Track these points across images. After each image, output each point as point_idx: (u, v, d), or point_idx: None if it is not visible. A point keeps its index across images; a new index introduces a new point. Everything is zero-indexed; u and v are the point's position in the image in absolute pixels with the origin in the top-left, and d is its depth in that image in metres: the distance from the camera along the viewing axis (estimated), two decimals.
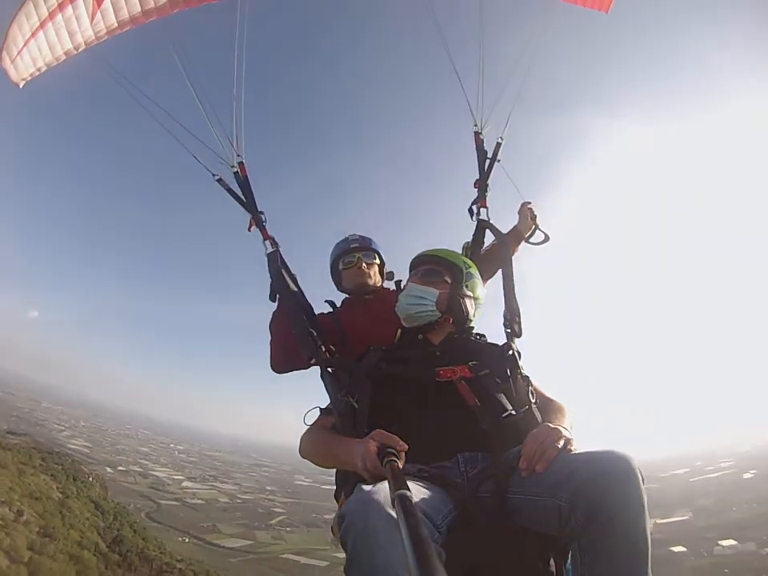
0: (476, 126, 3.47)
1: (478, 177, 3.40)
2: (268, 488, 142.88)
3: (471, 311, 2.57)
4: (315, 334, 2.69)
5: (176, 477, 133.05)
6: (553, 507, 1.65)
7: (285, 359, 3.03)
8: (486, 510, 1.81)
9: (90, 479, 76.89)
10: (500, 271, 2.94)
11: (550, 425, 1.93)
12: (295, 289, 3.02)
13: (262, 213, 3.10)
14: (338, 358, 2.69)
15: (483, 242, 3.23)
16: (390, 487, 1.29)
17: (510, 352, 2.44)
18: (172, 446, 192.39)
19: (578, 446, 1.82)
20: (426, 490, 1.71)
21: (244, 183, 3.12)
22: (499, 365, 2.34)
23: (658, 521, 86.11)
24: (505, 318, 2.70)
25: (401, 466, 1.60)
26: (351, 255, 3.30)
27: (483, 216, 3.25)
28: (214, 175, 3.11)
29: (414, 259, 2.74)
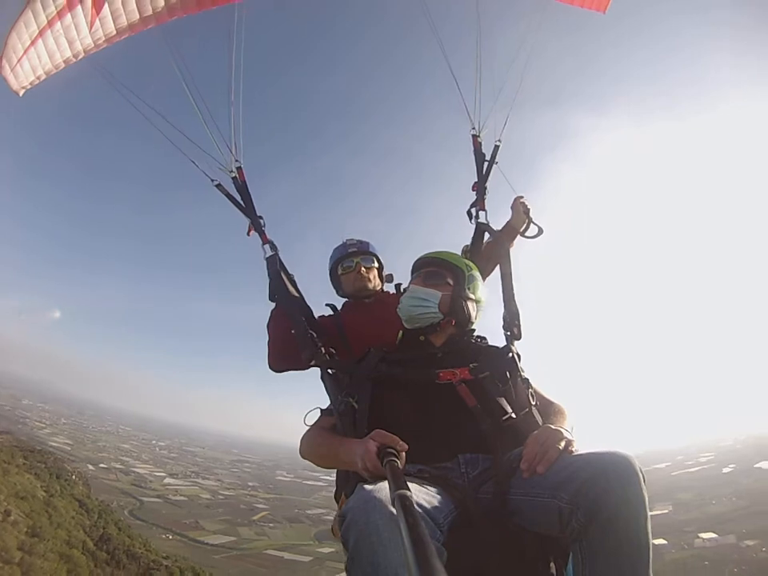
0: (473, 128, 3.47)
1: (476, 179, 3.41)
2: (250, 484, 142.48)
3: (473, 313, 2.59)
4: (315, 335, 2.72)
5: (158, 473, 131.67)
6: (554, 508, 1.67)
7: (282, 359, 3.08)
8: (486, 511, 1.84)
9: (73, 477, 75.87)
10: (498, 272, 2.95)
11: (551, 426, 1.94)
12: (294, 292, 3.06)
13: (260, 217, 3.12)
14: (338, 359, 2.70)
15: (482, 245, 3.26)
16: (389, 487, 1.30)
17: (510, 354, 2.47)
18: (153, 442, 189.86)
19: (579, 448, 1.83)
20: (427, 491, 1.74)
21: (242, 188, 3.14)
22: (499, 367, 2.36)
23: None
24: (504, 320, 2.71)
25: (401, 466, 1.61)
26: (349, 260, 3.33)
27: (482, 219, 3.27)
28: (212, 180, 3.13)
29: (416, 261, 2.75)
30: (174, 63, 3.24)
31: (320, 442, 2.32)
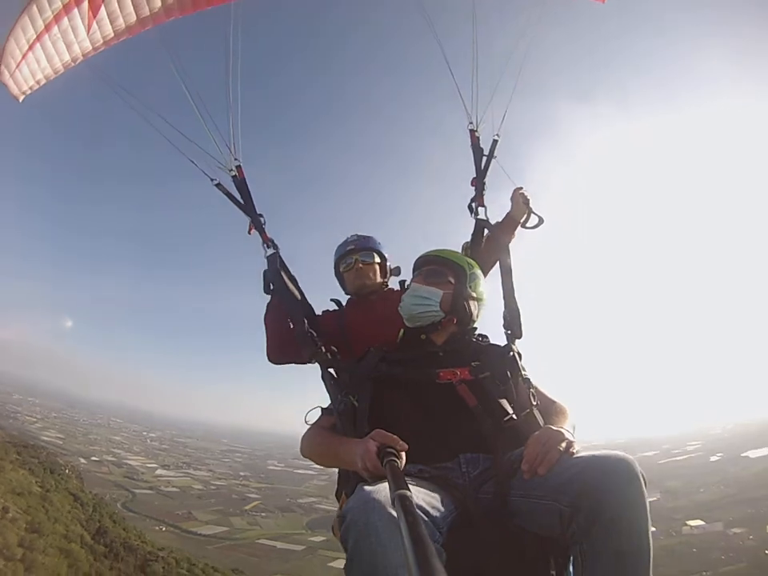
0: (471, 123, 3.42)
1: (474, 174, 3.38)
2: (241, 473, 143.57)
3: (475, 312, 2.57)
4: (315, 335, 2.70)
5: (149, 465, 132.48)
6: (554, 510, 1.66)
7: (281, 352, 3.09)
8: (487, 511, 1.83)
9: (67, 471, 76.40)
10: (497, 268, 2.93)
11: (552, 427, 1.91)
12: (295, 290, 3.03)
13: (261, 215, 3.10)
14: (339, 359, 2.68)
15: (482, 241, 3.23)
16: (389, 487, 1.28)
17: (511, 353, 2.46)
18: (144, 433, 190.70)
19: (580, 449, 1.80)
20: (427, 491, 1.73)
21: (242, 187, 3.12)
22: (500, 367, 2.34)
23: None
24: (504, 318, 2.69)
25: (401, 466, 1.60)
26: (349, 257, 3.32)
27: (481, 215, 3.24)
28: (212, 180, 3.12)
29: (417, 260, 2.73)
30: (171, 63, 3.21)
31: (320, 441, 2.33)
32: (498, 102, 3.41)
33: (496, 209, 3.30)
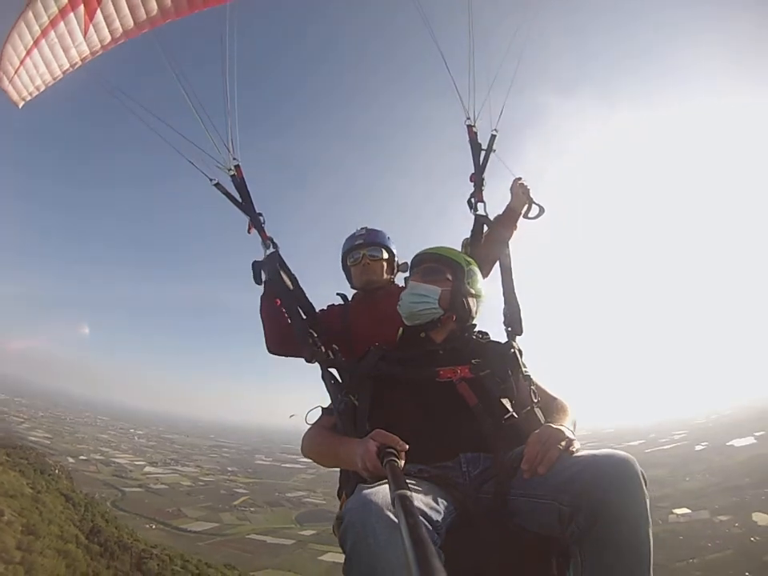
0: (468, 118, 3.39)
1: (473, 170, 3.34)
2: (229, 469, 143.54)
3: (474, 308, 2.56)
4: (316, 335, 2.67)
5: (138, 463, 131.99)
6: (554, 510, 1.64)
7: (280, 347, 3.09)
8: (487, 511, 1.81)
9: (56, 471, 76.19)
10: (497, 267, 2.90)
11: (552, 425, 1.87)
12: (296, 290, 3.01)
13: (260, 214, 3.08)
14: (339, 358, 2.63)
15: (482, 238, 3.19)
16: (390, 487, 1.27)
17: (512, 351, 2.43)
18: (131, 431, 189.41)
19: (580, 447, 1.77)
20: (427, 491, 1.70)
21: (241, 186, 3.10)
22: (500, 364, 2.32)
23: None
24: (505, 315, 2.67)
25: (401, 466, 1.59)
26: (356, 251, 3.29)
27: (481, 211, 3.21)
28: (211, 180, 3.09)
29: (414, 258, 2.71)
30: (167, 64, 3.20)
31: (320, 441, 2.32)
32: (494, 97, 3.37)
33: (496, 201, 3.28)
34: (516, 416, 2.14)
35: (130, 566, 49.89)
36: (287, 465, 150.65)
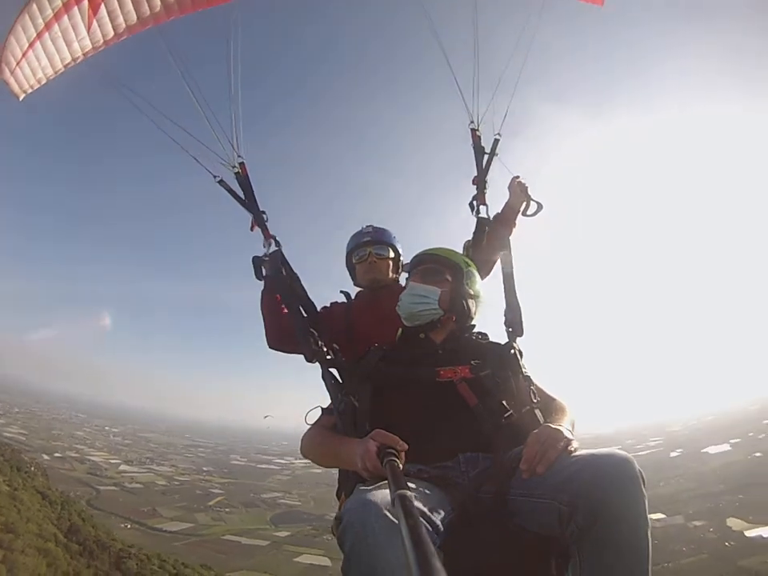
0: (472, 122, 3.40)
1: (476, 173, 3.36)
2: (205, 469, 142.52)
3: (473, 309, 2.56)
4: (317, 334, 2.66)
5: (113, 461, 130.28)
6: (553, 509, 1.65)
7: (280, 343, 3.09)
8: (486, 511, 1.81)
9: (32, 469, 75.17)
10: (498, 268, 2.91)
11: (551, 425, 1.89)
12: (297, 288, 3.01)
13: (263, 212, 3.08)
14: (339, 358, 2.63)
15: (484, 240, 3.19)
16: (389, 487, 1.27)
17: (512, 351, 2.43)
18: (107, 428, 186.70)
19: (579, 447, 1.78)
20: (426, 491, 1.72)
21: (245, 183, 3.10)
22: (500, 365, 2.32)
23: None
24: (506, 316, 2.67)
25: (401, 466, 1.58)
26: (362, 249, 3.27)
27: (483, 213, 3.23)
28: (215, 177, 3.09)
29: (413, 259, 2.72)
30: (172, 60, 3.19)
31: (320, 441, 2.32)
32: (497, 102, 3.38)
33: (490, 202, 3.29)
34: (516, 416, 2.13)
35: (109, 566, 49.64)
36: (262, 466, 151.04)
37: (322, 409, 2.46)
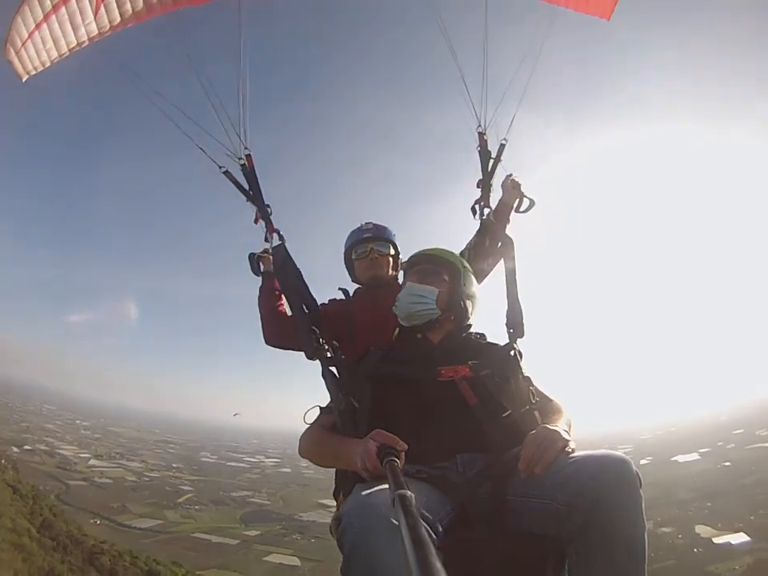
0: (480, 126, 3.43)
1: (481, 177, 3.38)
2: (174, 465, 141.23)
3: (470, 309, 2.58)
4: (318, 331, 2.66)
5: (82, 455, 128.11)
6: (551, 509, 1.66)
7: (279, 340, 3.11)
8: (484, 511, 1.81)
9: (2, 461, 74.50)
10: (501, 269, 2.85)
11: (549, 426, 1.90)
12: (299, 284, 2.97)
13: (267, 206, 3.06)
14: (338, 356, 2.61)
15: (486, 242, 3.20)
16: (389, 487, 1.27)
17: (512, 353, 2.44)
18: (77, 422, 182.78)
19: (576, 448, 1.79)
20: (425, 491, 1.73)
21: (251, 175, 3.07)
22: (501, 365, 2.33)
23: None
24: (507, 317, 2.63)
25: (401, 466, 1.59)
26: (363, 245, 3.27)
27: (487, 216, 3.25)
28: (220, 167, 3.07)
29: (409, 259, 2.73)
30: (180, 49, 3.16)
31: (319, 440, 2.32)
32: (504, 106, 3.40)
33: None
34: (515, 416, 2.14)
35: (82, 561, 49.40)
36: (232, 463, 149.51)
37: (321, 408, 2.44)
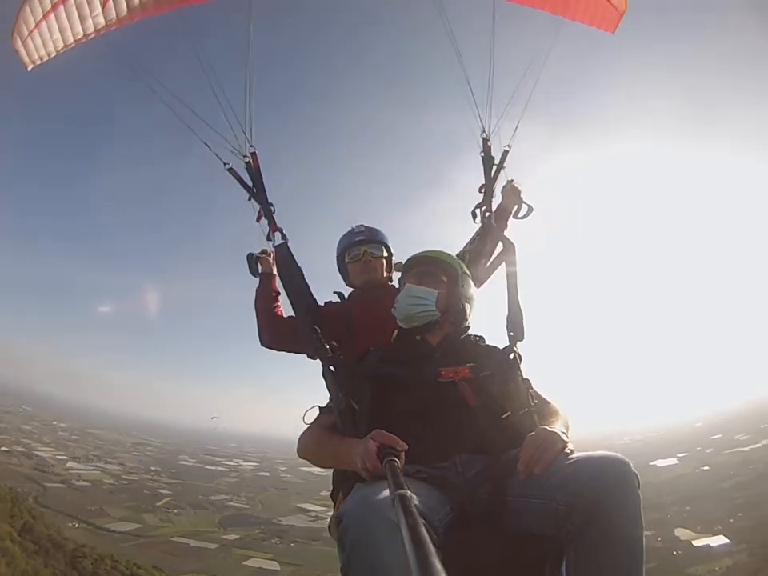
0: (484, 132, 3.45)
1: (483, 182, 3.41)
2: (152, 468, 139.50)
3: (468, 311, 2.59)
4: (319, 330, 2.66)
5: (60, 457, 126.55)
6: (549, 510, 1.66)
7: (276, 341, 3.12)
8: (483, 511, 1.81)
9: None
10: (502, 272, 2.87)
11: (548, 428, 1.91)
12: (301, 283, 3.00)
13: (271, 204, 3.06)
14: (340, 357, 2.61)
15: (487, 245, 3.24)
16: (389, 487, 1.26)
17: (512, 355, 2.46)
18: (54, 423, 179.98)
19: (575, 449, 1.79)
20: (424, 491, 1.72)
21: (255, 174, 3.08)
22: (500, 367, 2.35)
23: None
24: (507, 320, 2.64)
25: (401, 466, 1.59)
26: (356, 248, 3.26)
27: (487, 221, 3.27)
28: (225, 164, 3.06)
29: (408, 260, 2.71)
30: (190, 44, 3.15)
31: (318, 440, 2.31)
32: (509, 113, 3.41)
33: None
34: (514, 418, 2.16)
35: (65, 565, 49.43)
36: (210, 467, 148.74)
37: (320, 408, 2.44)
